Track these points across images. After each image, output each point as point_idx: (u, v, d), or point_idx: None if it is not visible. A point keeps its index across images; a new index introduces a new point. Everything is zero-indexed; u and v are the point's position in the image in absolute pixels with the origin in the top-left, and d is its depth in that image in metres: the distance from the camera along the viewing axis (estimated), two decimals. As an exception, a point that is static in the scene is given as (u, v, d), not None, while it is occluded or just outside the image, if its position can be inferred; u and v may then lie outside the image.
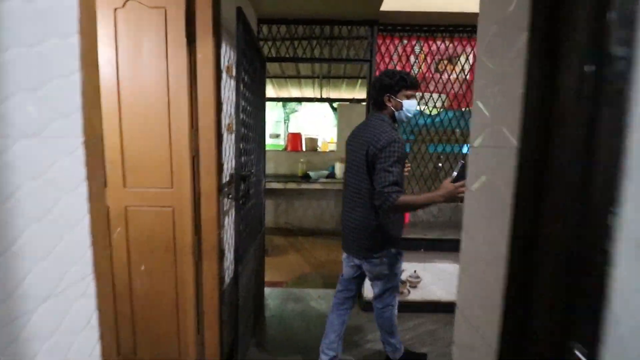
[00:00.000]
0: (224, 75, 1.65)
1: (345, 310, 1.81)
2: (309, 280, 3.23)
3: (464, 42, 2.55)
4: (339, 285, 1.85)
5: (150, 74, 1.52)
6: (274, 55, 2.58)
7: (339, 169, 4.58)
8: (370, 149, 1.47)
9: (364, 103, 5.02)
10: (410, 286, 2.51)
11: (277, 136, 5.53)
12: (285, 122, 6.10)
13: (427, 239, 2.34)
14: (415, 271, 2.49)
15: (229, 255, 1.74)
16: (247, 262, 1.92)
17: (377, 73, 2.51)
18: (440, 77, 2.60)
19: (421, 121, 2.76)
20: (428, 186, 2.75)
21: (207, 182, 1.55)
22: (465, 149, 2.90)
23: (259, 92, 2.29)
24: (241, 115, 1.62)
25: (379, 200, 1.41)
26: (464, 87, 2.61)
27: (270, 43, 2.59)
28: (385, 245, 1.59)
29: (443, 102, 2.62)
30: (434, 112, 2.75)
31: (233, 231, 1.64)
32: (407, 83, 1.51)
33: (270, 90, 5.18)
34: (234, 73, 1.80)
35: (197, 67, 1.50)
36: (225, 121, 1.67)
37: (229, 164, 1.72)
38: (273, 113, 6.18)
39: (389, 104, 1.55)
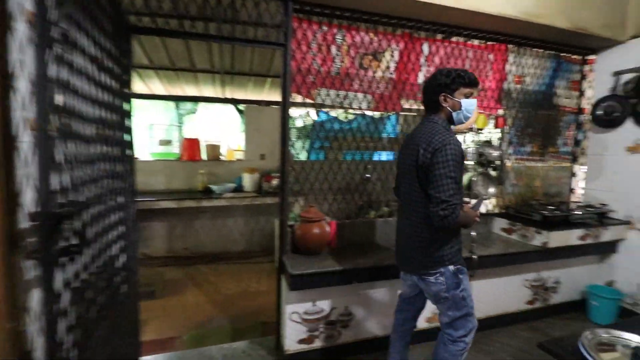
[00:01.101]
0: (21, 27, 0.88)
1: (407, 331, 1.70)
2: (213, 329, 2.48)
3: (389, 37, 2.24)
4: (397, 306, 1.74)
5: None
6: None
7: (248, 180, 3.92)
8: (421, 152, 1.34)
9: (275, 106, 4.48)
10: (341, 326, 2.04)
11: (169, 143, 4.53)
12: (179, 126, 5.10)
13: (360, 269, 1.90)
14: (346, 307, 2.03)
15: (43, 360, 0.95)
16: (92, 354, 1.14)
17: (294, 63, 2.00)
18: (365, 75, 2.24)
19: (336, 126, 2.40)
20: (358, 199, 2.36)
21: (-28, 233, 0.77)
22: (385, 156, 2.65)
23: (118, 74, 1.52)
24: (58, 99, 0.88)
25: (446, 210, 1.25)
26: (390, 87, 2.31)
27: (147, 18, 1.83)
28: (441, 261, 1.40)
29: (369, 104, 2.27)
30: (350, 116, 2.44)
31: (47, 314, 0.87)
32: (465, 80, 1.36)
33: (158, 86, 4.20)
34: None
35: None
36: (24, 113, 0.90)
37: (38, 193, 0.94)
38: (163, 115, 5.12)
39: (445, 105, 1.40)
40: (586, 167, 2.87)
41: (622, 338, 0.71)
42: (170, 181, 3.90)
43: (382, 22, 2.16)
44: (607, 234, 2.48)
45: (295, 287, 1.80)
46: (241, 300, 2.95)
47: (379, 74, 2.27)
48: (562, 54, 2.75)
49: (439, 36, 2.36)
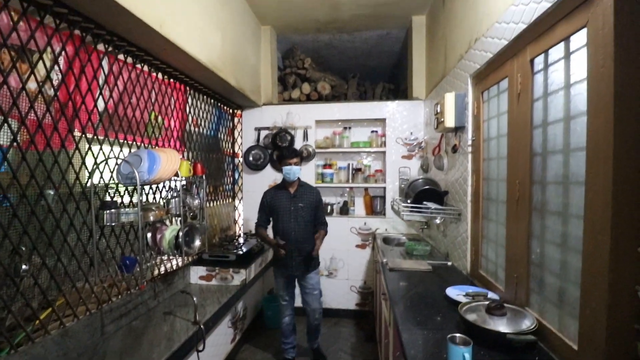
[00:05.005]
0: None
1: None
2: None
3: (50, 30, 1.36)
4: None
5: None
6: None
7: None
8: None
9: None
10: None
11: None
12: None
13: None
14: None
15: None
16: None
17: None
18: (5, 81, 1.20)
19: None
20: None
21: None
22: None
23: None
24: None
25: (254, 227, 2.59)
26: (53, 111, 1.40)
27: None
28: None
29: (14, 135, 1.24)
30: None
31: None
32: (284, 155, 2.41)
33: None
34: None
35: None
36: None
37: None
38: None
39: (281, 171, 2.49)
40: (243, 202, 3.43)
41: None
42: None
43: (38, 4, 1.28)
44: (268, 255, 3.11)
45: None
46: None
47: (33, 86, 1.31)
48: (221, 105, 3.09)
49: (123, 57, 1.79)
